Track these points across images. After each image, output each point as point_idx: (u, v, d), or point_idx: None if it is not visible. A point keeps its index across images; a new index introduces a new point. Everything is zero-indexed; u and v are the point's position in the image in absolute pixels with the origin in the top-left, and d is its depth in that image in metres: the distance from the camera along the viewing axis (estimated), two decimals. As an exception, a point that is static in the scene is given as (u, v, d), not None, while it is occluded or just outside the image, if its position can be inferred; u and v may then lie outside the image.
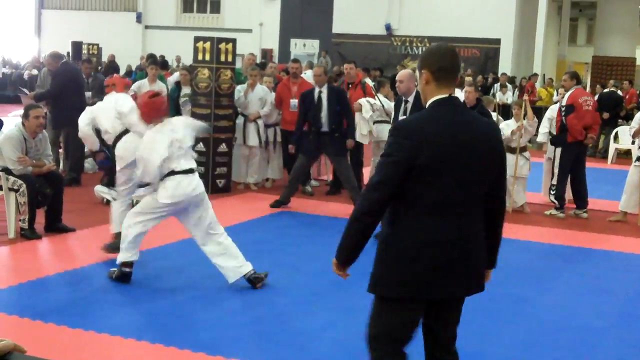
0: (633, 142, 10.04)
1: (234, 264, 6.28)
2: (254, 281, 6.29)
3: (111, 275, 6.32)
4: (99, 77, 11.41)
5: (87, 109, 7.80)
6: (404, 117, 7.87)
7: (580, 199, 10.25)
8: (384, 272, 3.46)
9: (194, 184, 6.32)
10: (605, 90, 18.60)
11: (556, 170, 10.16)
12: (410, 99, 7.87)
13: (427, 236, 3.26)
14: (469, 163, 3.24)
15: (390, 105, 10.87)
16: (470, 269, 3.43)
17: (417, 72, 3.40)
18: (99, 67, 19.21)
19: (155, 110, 6.36)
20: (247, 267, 6.31)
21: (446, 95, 3.30)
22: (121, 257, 6.24)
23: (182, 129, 6.41)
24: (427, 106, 3.33)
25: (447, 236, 3.26)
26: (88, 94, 11.19)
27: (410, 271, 3.32)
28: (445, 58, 3.33)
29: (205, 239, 6.35)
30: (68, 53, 17.97)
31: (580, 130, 9.95)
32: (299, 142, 9.83)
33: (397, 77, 8.10)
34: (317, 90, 9.72)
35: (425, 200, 3.23)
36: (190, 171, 6.35)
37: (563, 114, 10.07)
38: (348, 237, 3.49)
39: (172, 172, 6.21)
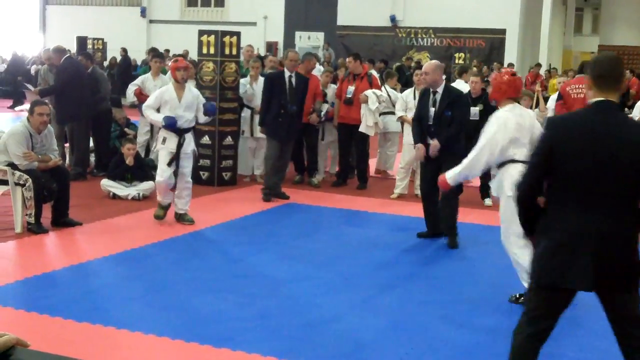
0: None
1: None
2: None
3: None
4: (96, 71, 11.34)
5: None
6: (433, 108, 7.83)
7: None
8: (535, 258, 3.75)
9: None
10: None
11: None
12: (440, 89, 7.82)
13: (566, 227, 3.56)
14: (610, 161, 3.49)
15: (396, 96, 10.85)
16: (605, 266, 3.53)
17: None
18: (104, 62, 19.26)
19: (512, 87, 6.05)
20: None
21: (601, 98, 3.62)
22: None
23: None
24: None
25: (583, 228, 3.52)
26: None
27: (549, 261, 3.60)
28: (604, 66, 3.70)
29: None
30: (69, 50, 17.99)
31: None
32: (270, 127, 9.80)
33: (423, 69, 8.03)
34: (287, 74, 9.76)
35: (565, 195, 3.58)
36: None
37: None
38: (519, 211, 3.85)
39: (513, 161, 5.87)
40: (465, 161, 6.06)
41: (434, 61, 8.30)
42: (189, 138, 8.22)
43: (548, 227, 3.64)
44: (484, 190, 9.93)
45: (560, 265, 3.56)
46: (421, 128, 7.94)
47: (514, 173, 5.55)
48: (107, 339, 4.94)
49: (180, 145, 8.03)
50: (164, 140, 8.08)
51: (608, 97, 3.61)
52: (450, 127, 7.71)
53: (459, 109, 7.85)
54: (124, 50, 23.50)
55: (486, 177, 9.91)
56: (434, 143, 7.66)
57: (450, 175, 6.16)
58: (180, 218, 8.23)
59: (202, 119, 8.36)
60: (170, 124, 7.94)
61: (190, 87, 8.44)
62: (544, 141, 3.68)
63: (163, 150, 8.08)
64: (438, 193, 7.76)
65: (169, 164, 8.03)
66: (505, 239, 6.01)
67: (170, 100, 8.04)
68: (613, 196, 3.52)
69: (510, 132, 5.84)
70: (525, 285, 5.46)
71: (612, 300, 3.66)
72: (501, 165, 5.97)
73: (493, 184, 6.25)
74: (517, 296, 5.95)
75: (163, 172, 8.05)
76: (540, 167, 3.66)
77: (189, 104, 8.13)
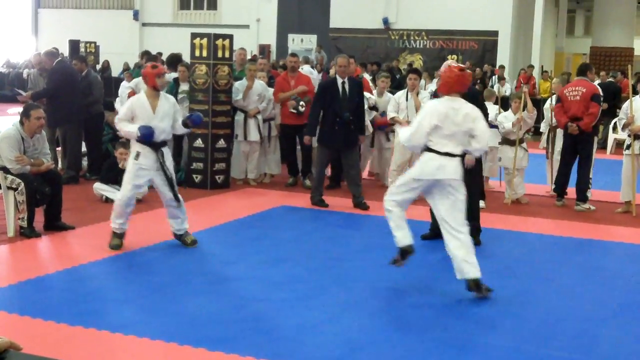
0: (629, 135, 10.00)
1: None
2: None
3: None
4: (90, 75, 11.31)
5: None
6: None
7: (558, 187, 10.36)
8: None
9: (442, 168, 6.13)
10: (598, 81, 18.57)
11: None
12: None
13: None
14: None
15: (380, 100, 10.91)
16: None
17: None
18: (97, 65, 19.21)
19: (459, 82, 6.24)
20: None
21: None
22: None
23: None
24: None
25: None
26: None
27: None
28: None
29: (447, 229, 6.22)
30: (61, 53, 17.94)
31: (560, 119, 10.15)
32: (325, 136, 9.68)
33: (438, 72, 8.05)
34: (340, 80, 9.67)
35: None
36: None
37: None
38: None
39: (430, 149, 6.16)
40: (408, 132, 6.30)
41: (449, 61, 8.35)
42: (167, 153, 7.36)
43: None
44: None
45: None
46: None
47: (421, 162, 6.16)
48: (100, 342, 4.92)
49: (161, 164, 7.18)
50: (138, 155, 7.14)
51: None
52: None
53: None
54: (107, 62, 23.56)
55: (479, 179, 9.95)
56: (470, 157, 7.50)
57: (403, 134, 6.43)
58: (180, 239, 7.50)
59: (180, 130, 7.55)
60: (147, 135, 7.00)
61: (166, 95, 7.49)
62: None
63: (134, 166, 7.14)
64: None
65: (138, 184, 7.26)
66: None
67: (143, 111, 7.12)
68: None
69: (434, 119, 6.07)
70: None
71: None
72: (423, 151, 6.24)
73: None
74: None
75: (126, 192, 7.15)
76: None
77: (165, 114, 7.21)
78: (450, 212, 6.14)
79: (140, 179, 7.18)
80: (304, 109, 10.68)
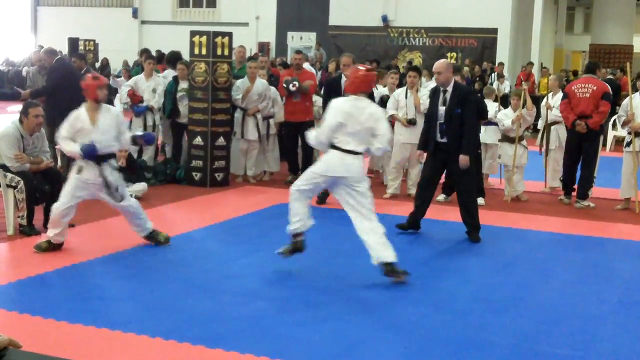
0: (629, 133, 9.99)
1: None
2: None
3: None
4: (90, 73, 11.29)
5: None
6: (443, 107, 7.97)
7: (565, 185, 10.37)
8: None
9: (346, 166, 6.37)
10: (600, 78, 18.57)
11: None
12: (449, 88, 8.00)
13: None
14: None
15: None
16: None
17: None
18: (96, 63, 19.19)
19: (365, 82, 6.49)
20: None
21: None
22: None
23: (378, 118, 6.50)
24: None
25: None
26: None
27: None
28: None
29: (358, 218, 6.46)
30: (60, 51, 17.95)
31: (567, 116, 10.10)
32: None
33: (434, 69, 8.17)
34: (344, 79, 9.57)
35: None
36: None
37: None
38: None
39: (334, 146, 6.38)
40: (317, 132, 6.55)
41: (444, 60, 8.50)
42: (111, 167, 7.01)
43: None
44: (477, 190, 9.98)
45: None
46: (428, 132, 8.09)
47: (326, 158, 6.40)
48: (100, 340, 4.93)
49: (104, 178, 6.90)
50: (80, 169, 6.91)
51: None
52: (465, 132, 7.89)
53: (468, 106, 7.97)
54: (106, 60, 23.56)
55: (478, 176, 9.96)
56: (463, 157, 7.81)
57: (313, 134, 6.66)
58: (151, 239, 7.32)
59: (126, 145, 7.34)
60: (89, 153, 6.77)
61: (109, 108, 7.23)
62: None
63: (74, 180, 6.93)
64: (433, 192, 8.26)
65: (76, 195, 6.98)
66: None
67: (82, 125, 6.90)
68: None
69: (339, 117, 6.29)
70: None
71: None
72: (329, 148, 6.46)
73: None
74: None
75: (63, 203, 6.92)
76: None
77: (107, 127, 6.95)
78: (359, 200, 6.40)
79: (81, 191, 6.98)
80: (294, 88, 10.70)
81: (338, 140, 6.34)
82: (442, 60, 8.33)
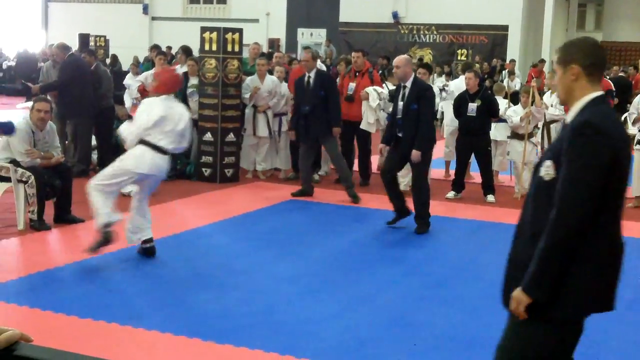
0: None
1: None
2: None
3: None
4: (99, 68, 11.32)
5: None
6: (402, 102, 8.03)
7: None
8: (572, 289, 2.98)
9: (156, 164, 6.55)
10: (611, 75, 18.50)
11: None
12: (408, 84, 8.07)
13: (616, 244, 3.01)
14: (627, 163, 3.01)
15: None
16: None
17: (558, 66, 3.13)
18: (106, 59, 19.23)
19: (173, 83, 6.76)
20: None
21: (602, 92, 3.06)
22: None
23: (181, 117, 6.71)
24: (585, 103, 3.02)
25: (621, 243, 3.05)
26: None
27: (603, 284, 3.01)
28: (597, 52, 3.07)
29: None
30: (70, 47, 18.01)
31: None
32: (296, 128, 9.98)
33: (394, 63, 8.29)
34: (306, 75, 9.75)
35: (613, 205, 2.96)
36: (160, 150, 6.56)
37: None
38: (551, 268, 2.95)
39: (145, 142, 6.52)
40: (130, 126, 6.66)
41: (403, 56, 8.62)
42: None
43: (595, 249, 2.96)
44: (487, 187, 9.97)
45: (607, 289, 3.06)
46: (391, 127, 8.33)
47: (136, 154, 6.46)
48: (110, 335, 4.94)
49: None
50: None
51: (600, 89, 3.09)
52: (420, 128, 7.94)
53: (424, 102, 8.04)
54: (115, 58, 23.57)
55: (489, 173, 9.94)
56: (415, 153, 7.92)
57: (126, 127, 6.75)
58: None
59: None
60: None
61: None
62: (604, 154, 2.86)
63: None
64: (397, 181, 8.44)
65: None
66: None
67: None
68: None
69: (154, 116, 6.46)
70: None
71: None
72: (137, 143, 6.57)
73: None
74: None
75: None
76: (600, 187, 2.87)
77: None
78: (147, 191, 6.75)
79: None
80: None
81: (151, 137, 6.48)
82: (402, 56, 8.49)
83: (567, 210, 2.86)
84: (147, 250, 6.72)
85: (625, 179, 2.99)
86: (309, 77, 9.69)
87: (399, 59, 8.19)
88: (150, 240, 6.73)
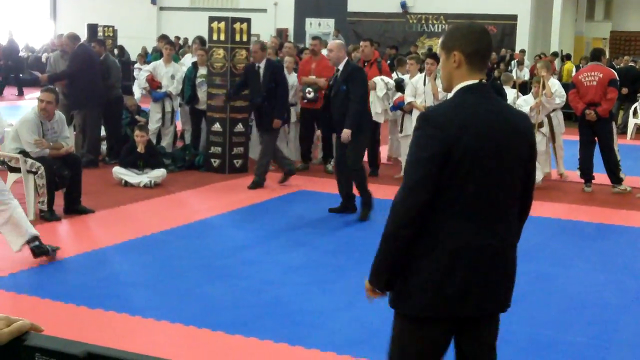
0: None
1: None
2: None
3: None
4: (108, 59, 11.32)
5: None
6: (341, 85, 8.09)
7: (583, 173, 10.29)
8: (411, 286, 2.92)
9: None
10: (622, 65, 18.40)
11: None
12: (340, 67, 8.14)
13: (460, 243, 2.82)
14: (503, 157, 2.83)
15: (407, 81, 10.84)
16: (505, 281, 3.07)
17: (441, 51, 3.02)
18: (114, 50, 19.23)
19: None
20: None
21: (477, 80, 2.89)
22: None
23: None
24: (454, 92, 2.92)
25: (482, 242, 2.85)
26: None
27: (442, 284, 2.84)
28: (481, 40, 2.94)
29: None
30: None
31: (576, 106, 10.14)
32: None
33: (328, 47, 8.39)
34: (256, 65, 9.74)
35: (457, 202, 2.80)
36: None
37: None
38: (384, 258, 2.98)
39: None
40: None
41: (337, 40, 8.94)
42: None
43: (428, 245, 2.85)
44: None
45: (459, 291, 2.85)
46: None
47: None
48: (120, 325, 4.96)
49: None
50: None
51: (480, 78, 2.91)
52: (350, 107, 7.97)
53: (353, 82, 8.05)
54: (121, 49, 23.62)
55: None
56: (345, 131, 7.96)
57: None
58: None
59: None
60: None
61: None
62: (435, 145, 2.75)
63: None
64: (345, 166, 8.30)
65: None
66: None
67: None
68: (508, 198, 2.92)
69: None
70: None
71: (484, 325, 3.09)
72: None
73: None
74: None
75: None
76: (433, 178, 2.75)
77: None
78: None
79: None
80: (311, 95, 10.69)
81: None
82: (335, 40, 8.81)
83: (396, 203, 2.85)
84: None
85: (471, 173, 2.77)
86: (259, 67, 9.65)
87: (332, 44, 8.35)
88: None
